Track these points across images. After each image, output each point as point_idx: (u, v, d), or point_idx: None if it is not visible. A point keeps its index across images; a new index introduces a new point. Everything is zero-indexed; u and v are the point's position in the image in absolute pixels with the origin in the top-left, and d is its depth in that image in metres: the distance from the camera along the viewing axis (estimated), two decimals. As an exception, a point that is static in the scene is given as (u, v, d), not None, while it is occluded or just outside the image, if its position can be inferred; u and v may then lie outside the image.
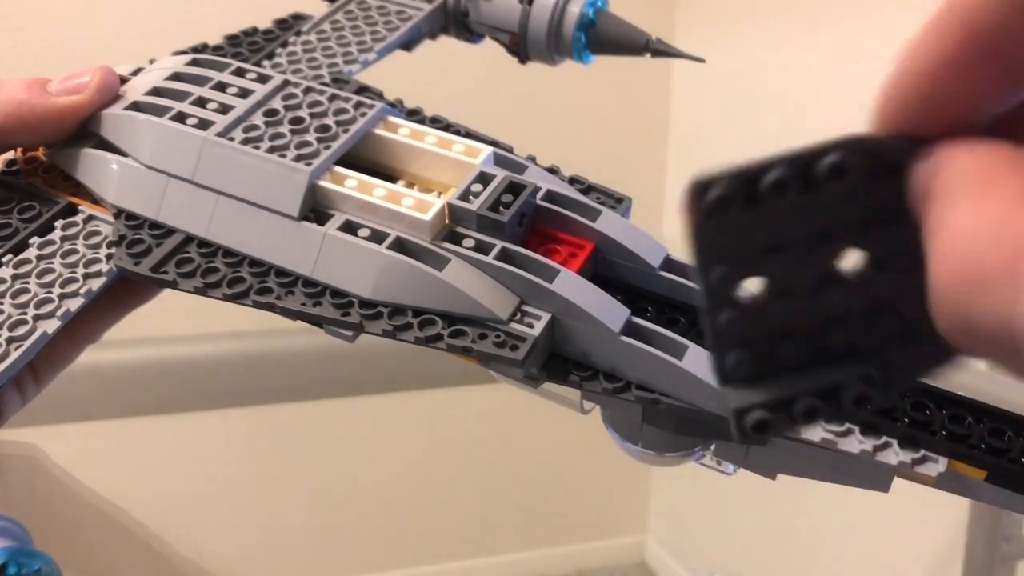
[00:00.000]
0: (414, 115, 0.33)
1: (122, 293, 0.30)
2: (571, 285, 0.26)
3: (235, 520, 1.51)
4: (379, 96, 0.33)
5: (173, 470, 1.43)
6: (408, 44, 0.38)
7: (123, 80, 0.33)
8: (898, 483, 0.26)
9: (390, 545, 1.61)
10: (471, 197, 0.28)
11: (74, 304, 0.28)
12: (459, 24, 0.40)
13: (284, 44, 0.36)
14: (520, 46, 0.39)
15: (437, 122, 0.33)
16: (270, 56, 0.36)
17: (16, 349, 0.27)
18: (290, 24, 0.37)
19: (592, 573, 1.74)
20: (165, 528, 1.47)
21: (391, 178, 0.30)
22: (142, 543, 1.46)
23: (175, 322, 1.21)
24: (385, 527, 1.60)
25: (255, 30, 0.37)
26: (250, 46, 0.36)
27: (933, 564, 1.20)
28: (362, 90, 0.34)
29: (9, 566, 1.03)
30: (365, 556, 1.60)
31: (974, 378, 0.89)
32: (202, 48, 0.35)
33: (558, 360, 0.27)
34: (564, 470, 1.64)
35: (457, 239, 0.27)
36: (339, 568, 1.60)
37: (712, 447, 0.27)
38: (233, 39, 0.36)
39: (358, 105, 0.30)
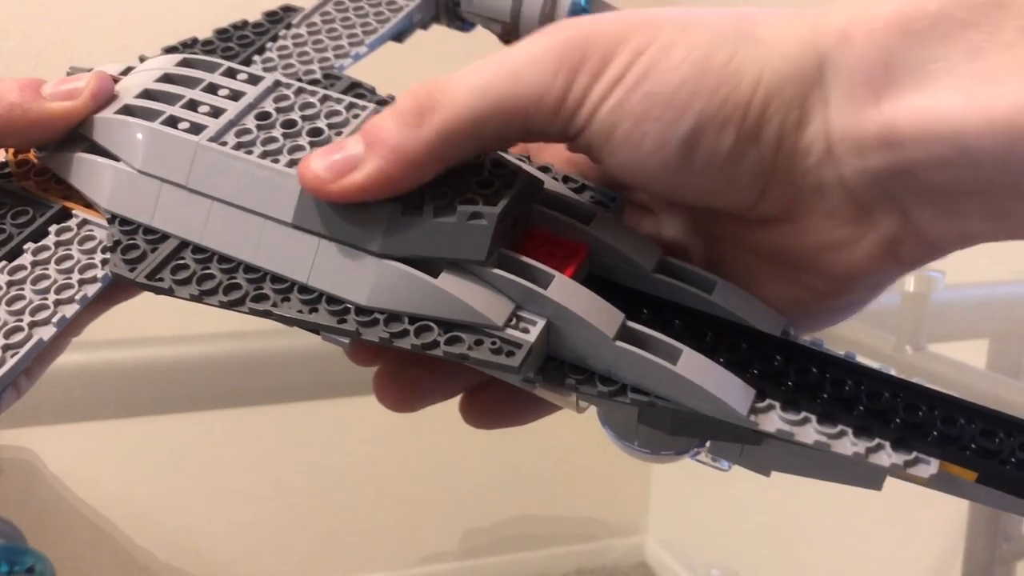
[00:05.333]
0: None
1: (109, 289, 0.30)
2: (566, 290, 0.26)
3: (233, 520, 1.51)
4: (371, 92, 0.33)
5: (170, 471, 1.43)
6: (399, 35, 0.38)
7: (114, 80, 0.32)
8: (898, 484, 0.26)
9: (389, 545, 1.61)
10: None
11: (70, 311, 0.28)
12: (450, 13, 0.39)
13: (274, 38, 0.36)
14: (512, 35, 0.38)
15: None
16: (260, 51, 0.35)
17: (12, 356, 0.27)
18: (280, 17, 0.37)
19: (592, 573, 1.74)
20: (162, 528, 1.47)
21: None
22: (139, 542, 1.46)
23: (173, 322, 1.20)
24: (384, 527, 1.60)
25: (245, 24, 0.36)
26: (240, 40, 0.36)
27: (933, 564, 1.20)
28: (354, 86, 0.33)
29: (0, 564, 1.03)
30: (364, 556, 1.60)
31: (971, 377, 0.89)
32: (192, 43, 0.35)
33: (554, 363, 0.27)
34: (563, 470, 1.64)
35: None
36: (338, 568, 1.60)
37: (707, 445, 0.27)
38: (223, 34, 0.36)
39: (350, 107, 0.29)
